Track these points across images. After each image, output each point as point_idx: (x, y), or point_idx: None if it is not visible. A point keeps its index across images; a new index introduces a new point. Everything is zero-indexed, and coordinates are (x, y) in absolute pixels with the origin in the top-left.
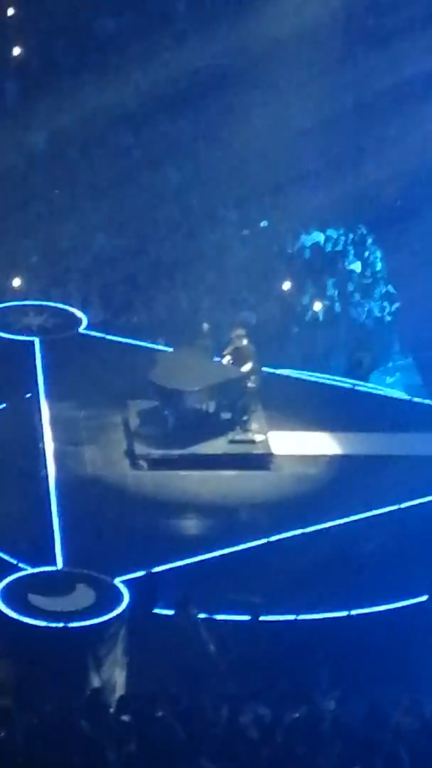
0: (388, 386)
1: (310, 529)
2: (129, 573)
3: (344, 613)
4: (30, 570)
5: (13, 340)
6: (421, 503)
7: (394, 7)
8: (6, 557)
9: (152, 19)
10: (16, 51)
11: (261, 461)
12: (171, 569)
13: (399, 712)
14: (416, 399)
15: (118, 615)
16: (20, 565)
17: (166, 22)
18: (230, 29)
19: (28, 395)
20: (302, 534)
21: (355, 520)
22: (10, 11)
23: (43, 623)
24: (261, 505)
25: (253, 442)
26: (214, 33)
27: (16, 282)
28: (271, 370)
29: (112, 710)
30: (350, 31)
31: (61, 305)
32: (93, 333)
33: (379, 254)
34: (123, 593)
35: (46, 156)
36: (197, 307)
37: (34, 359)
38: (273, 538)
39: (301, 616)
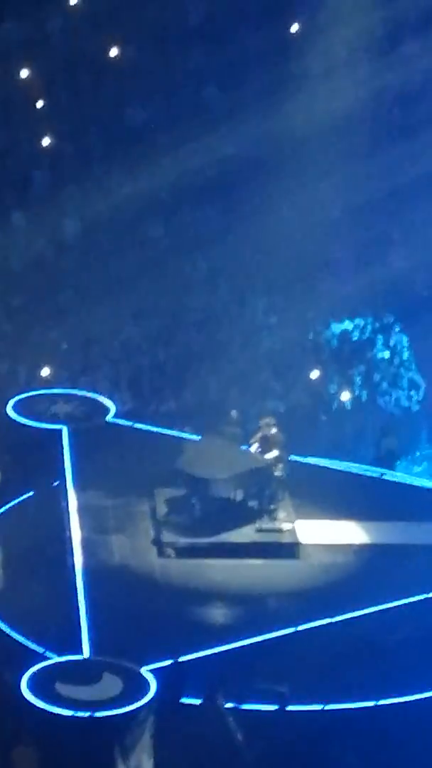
0: (415, 475)
1: (337, 619)
2: (156, 662)
3: (372, 703)
4: (57, 659)
5: (41, 428)
6: None
7: (420, 98)
8: (33, 646)
9: (182, 108)
10: (46, 140)
11: (288, 550)
12: (198, 658)
13: None
14: None
15: (145, 704)
16: (47, 653)
17: (196, 111)
18: (259, 119)
19: (56, 483)
20: (330, 623)
21: (383, 609)
22: (40, 102)
23: (69, 712)
24: (288, 594)
25: (280, 530)
26: (244, 123)
27: (45, 370)
28: (299, 459)
29: None
30: (378, 121)
31: (89, 393)
32: (121, 421)
33: (406, 343)
34: (150, 682)
35: (75, 244)
36: (225, 395)
37: (62, 447)
38: (300, 627)
39: (329, 706)
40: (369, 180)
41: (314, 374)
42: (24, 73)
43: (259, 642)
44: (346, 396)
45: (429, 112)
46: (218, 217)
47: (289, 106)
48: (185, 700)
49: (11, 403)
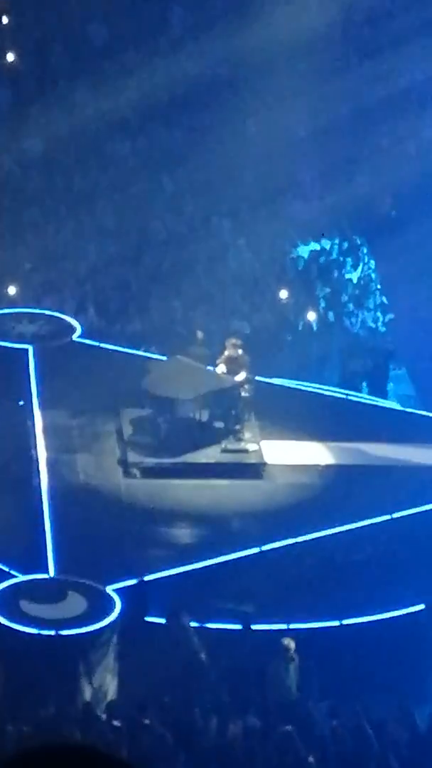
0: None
1: (302, 539)
2: (121, 581)
3: (336, 623)
4: (22, 577)
5: (6, 347)
6: (413, 513)
7: (389, 17)
8: None
9: (148, 27)
10: (10, 57)
11: (253, 470)
12: (163, 577)
13: (390, 721)
14: (409, 409)
15: (109, 623)
16: (12, 572)
17: (162, 29)
18: (226, 38)
19: (21, 403)
20: (294, 543)
21: (347, 530)
22: (4, 19)
23: (34, 630)
24: (253, 514)
25: (245, 451)
26: (210, 41)
27: (11, 289)
28: (265, 380)
29: (103, 717)
30: (346, 41)
31: (55, 313)
32: (87, 341)
33: (373, 264)
34: (115, 601)
35: (40, 163)
36: (191, 315)
37: (28, 367)
38: (265, 547)
39: (293, 626)
40: (337, 100)
41: (282, 295)
42: None
43: (223, 562)
44: (312, 317)
45: (398, 30)
46: (184, 137)
47: (255, 25)
48: (150, 619)
49: None
